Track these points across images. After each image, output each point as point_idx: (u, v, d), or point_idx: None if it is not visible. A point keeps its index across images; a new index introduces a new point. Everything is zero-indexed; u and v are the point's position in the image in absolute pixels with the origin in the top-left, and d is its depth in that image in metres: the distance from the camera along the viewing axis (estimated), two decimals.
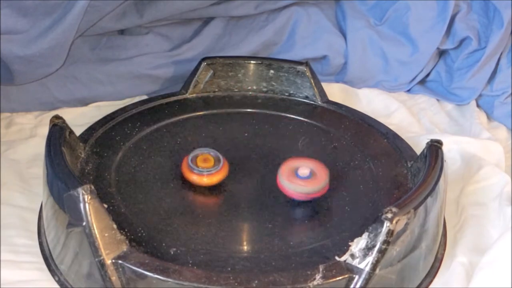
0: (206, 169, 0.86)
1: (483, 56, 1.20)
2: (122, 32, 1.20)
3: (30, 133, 1.09)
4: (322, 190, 0.85)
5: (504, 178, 0.98)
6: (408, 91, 1.29)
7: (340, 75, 1.28)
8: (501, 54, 1.23)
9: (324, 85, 1.13)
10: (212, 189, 0.87)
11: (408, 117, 1.20)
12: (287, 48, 1.24)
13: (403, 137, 1.00)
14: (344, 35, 1.27)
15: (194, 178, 0.86)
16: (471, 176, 1.00)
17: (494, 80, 1.23)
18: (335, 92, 1.23)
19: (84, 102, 1.16)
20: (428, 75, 1.29)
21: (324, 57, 1.26)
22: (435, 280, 0.82)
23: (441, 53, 1.28)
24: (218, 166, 0.87)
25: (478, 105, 1.24)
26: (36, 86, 1.13)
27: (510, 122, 1.19)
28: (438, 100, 1.27)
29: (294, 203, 0.85)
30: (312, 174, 0.84)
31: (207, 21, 1.23)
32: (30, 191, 0.95)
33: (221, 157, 0.88)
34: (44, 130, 1.01)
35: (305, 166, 0.85)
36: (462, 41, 1.23)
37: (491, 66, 1.23)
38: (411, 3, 1.22)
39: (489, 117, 1.23)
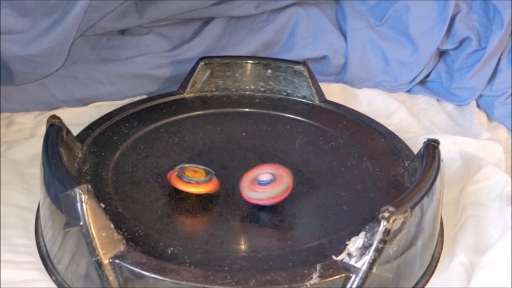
0: (195, 179, 0.84)
1: (483, 56, 1.20)
2: (122, 32, 1.20)
3: (30, 133, 1.09)
4: (286, 191, 0.82)
5: (504, 178, 0.98)
6: (408, 91, 1.29)
7: (340, 75, 1.29)
8: (501, 54, 1.23)
9: (324, 85, 1.14)
10: None
11: (408, 117, 1.20)
12: (287, 48, 1.25)
13: (402, 137, 1.00)
14: (344, 35, 1.27)
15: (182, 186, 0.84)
16: (471, 176, 1.00)
17: (494, 81, 1.23)
18: (335, 92, 1.23)
19: (84, 102, 1.17)
20: (428, 75, 1.30)
21: (324, 57, 1.26)
22: (435, 279, 0.82)
23: (441, 54, 1.28)
24: (208, 178, 0.85)
25: (478, 106, 1.25)
26: (36, 86, 1.13)
27: (510, 122, 1.19)
28: (438, 100, 1.27)
29: (291, 202, 0.85)
30: (274, 178, 0.83)
31: (207, 21, 1.23)
32: (30, 191, 0.94)
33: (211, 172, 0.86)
34: (44, 130, 1.01)
35: (267, 173, 0.83)
36: (462, 42, 1.23)
37: (491, 66, 1.23)
38: (411, 3, 1.22)
39: (489, 117, 1.23)
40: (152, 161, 0.91)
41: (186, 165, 0.86)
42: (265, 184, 0.82)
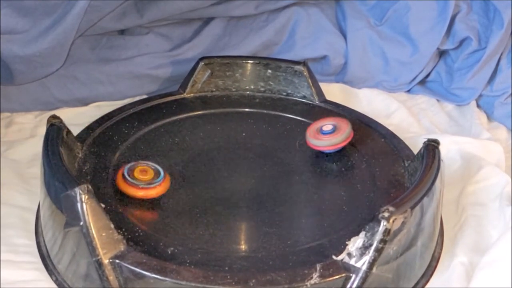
0: (144, 182, 0.83)
1: (483, 56, 1.20)
2: (122, 32, 1.20)
3: (30, 133, 1.09)
4: (346, 139, 0.93)
5: (504, 178, 0.98)
6: (408, 91, 1.29)
7: (340, 75, 1.28)
8: (501, 54, 1.23)
9: (324, 85, 1.14)
10: (210, 189, 0.87)
11: (408, 117, 1.20)
12: (287, 48, 1.25)
13: (403, 137, 1.00)
14: (344, 35, 1.27)
15: (130, 190, 0.83)
16: (471, 176, 1.00)
17: (494, 81, 1.23)
18: (335, 92, 1.23)
19: (84, 102, 1.17)
20: (428, 75, 1.30)
21: (324, 57, 1.26)
22: (435, 279, 0.82)
23: (441, 54, 1.28)
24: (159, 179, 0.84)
25: (478, 106, 1.25)
26: (36, 86, 1.13)
27: (510, 122, 1.19)
28: (438, 100, 1.27)
29: (292, 202, 0.86)
30: (335, 129, 0.94)
31: (207, 21, 1.23)
32: (30, 191, 0.94)
33: (161, 170, 0.85)
34: (44, 130, 1.01)
35: (328, 124, 0.95)
36: (462, 42, 1.23)
37: (491, 66, 1.23)
38: (411, 3, 1.22)
39: (489, 117, 1.23)
40: (152, 161, 0.91)
41: (133, 163, 0.85)
42: (328, 133, 0.93)
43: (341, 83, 1.28)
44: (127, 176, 0.83)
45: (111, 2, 1.07)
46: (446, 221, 0.91)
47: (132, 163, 0.85)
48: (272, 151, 0.96)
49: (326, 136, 0.93)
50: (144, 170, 0.84)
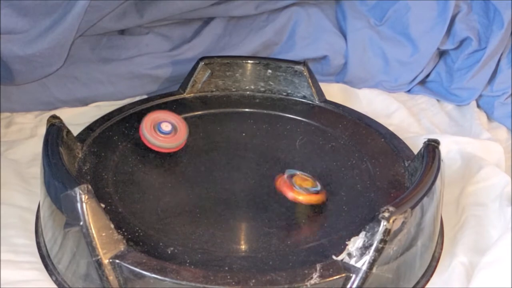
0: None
1: (483, 56, 1.20)
2: (122, 32, 1.20)
3: (30, 133, 1.09)
4: (180, 145, 0.93)
5: (504, 178, 0.98)
6: (408, 91, 1.29)
7: (340, 75, 1.28)
8: (501, 54, 1.23)
9: (324, 85, 1.14)
10: (210, 189, 0.87)
11: (408, 117, 1.20)
12: (287, 48, 1.24)
13: (403, 137, 1.00)
14: (344, 35, 1.27)
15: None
16: (472, 176, 1.00)
17: (494, 81, 1.23)
18: (335, 92, 1.23)
19: (84, 102, 1.17)
20: (428, 75, 1.29)
21: (324, 57, 1.26)
22: (435, 279, 0.82)
23: (441, 54, 1.28)
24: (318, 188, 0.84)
25: (478, 106, 1.24)
26: (36, 86, 1.13)
27: (510, 122, 1.19)
28: (438, 100, 1.27)
29: (292, 203, 0.85)
30: (174, 129, 0.92)
31: (207, 21, 1.23)
32: (30, 191, 0.95)
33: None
34: (44, 130, 1.01)
35: (167, 122, 0.93)
36: (462, 42, 1.23)
37: (491, 66, 1.22)
38: (411, 3, 1.22)
39: (489, 117, 1.23)
40: (152, 161, 0.91)
41: (294, 171, 0.86)
42: (167, 133, 0.92)
43: (341, 83, 1.28)
44: (293, 183, 0.83)
45: (111, 2, 1.07)
46: (446, 221, 0.91)
47: (289, 172, 0.85)
48: (272, 151, 0.96)
49: (166, 136, 0.91)
50: (303, 178, 0.85)
